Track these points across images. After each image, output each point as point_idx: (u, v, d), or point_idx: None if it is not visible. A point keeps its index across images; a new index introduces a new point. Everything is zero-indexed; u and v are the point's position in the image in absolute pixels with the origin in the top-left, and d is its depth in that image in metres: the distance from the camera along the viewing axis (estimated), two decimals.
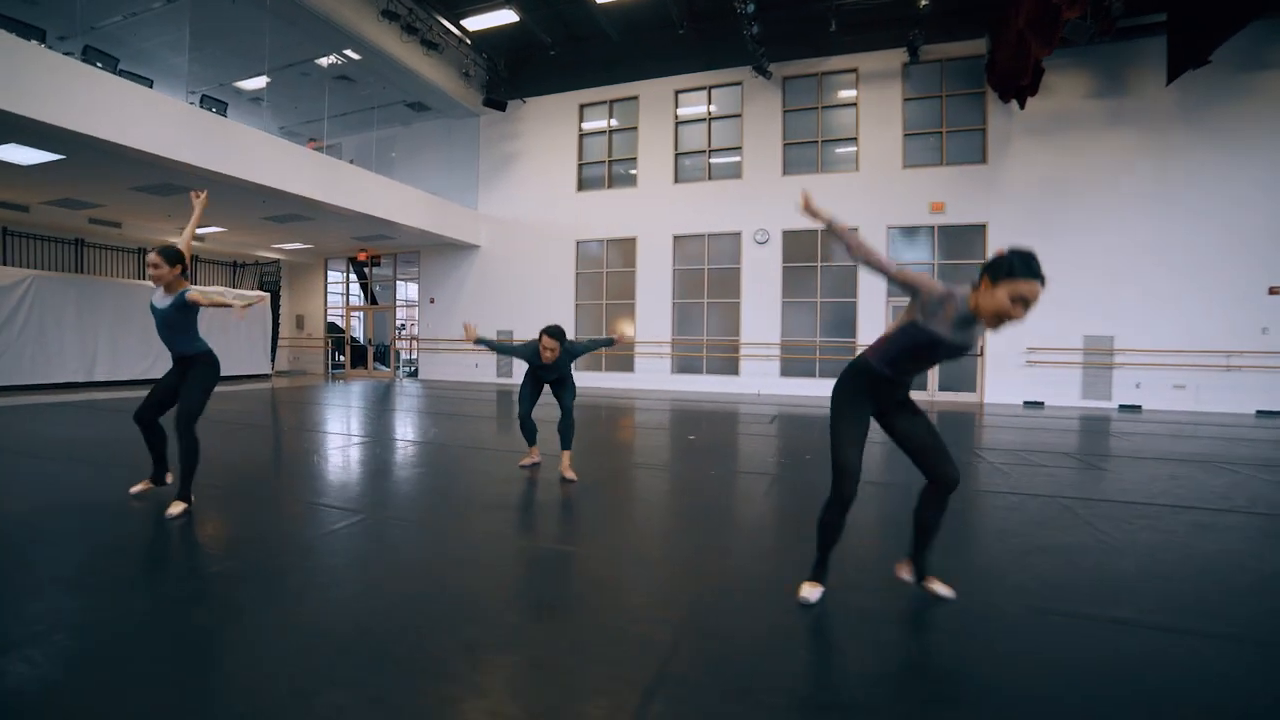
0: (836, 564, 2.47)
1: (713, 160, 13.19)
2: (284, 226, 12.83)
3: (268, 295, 3.94)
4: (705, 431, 7.12)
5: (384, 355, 18.18)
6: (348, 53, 11.87)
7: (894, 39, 11.41)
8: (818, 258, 12.35)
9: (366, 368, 17.16)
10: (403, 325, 18.48)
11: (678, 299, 13.35)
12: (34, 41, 7.12)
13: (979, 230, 11.47)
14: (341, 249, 16.12)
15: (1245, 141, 10.11)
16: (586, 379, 13.42)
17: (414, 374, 16.14)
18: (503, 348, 4.47)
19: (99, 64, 7.81)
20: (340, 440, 6.06)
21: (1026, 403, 11.10)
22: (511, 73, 14.02)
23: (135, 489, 3.68)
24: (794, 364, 12.52)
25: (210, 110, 9.41)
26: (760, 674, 1.86)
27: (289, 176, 9.84)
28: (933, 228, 11.75)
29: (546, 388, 4.60)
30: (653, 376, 13.41)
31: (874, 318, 11.86)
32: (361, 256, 16.42)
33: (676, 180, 13.36)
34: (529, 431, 4.59)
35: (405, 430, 6.90)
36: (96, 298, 11.05)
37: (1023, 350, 11.08)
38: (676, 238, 13.30)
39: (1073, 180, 10.95)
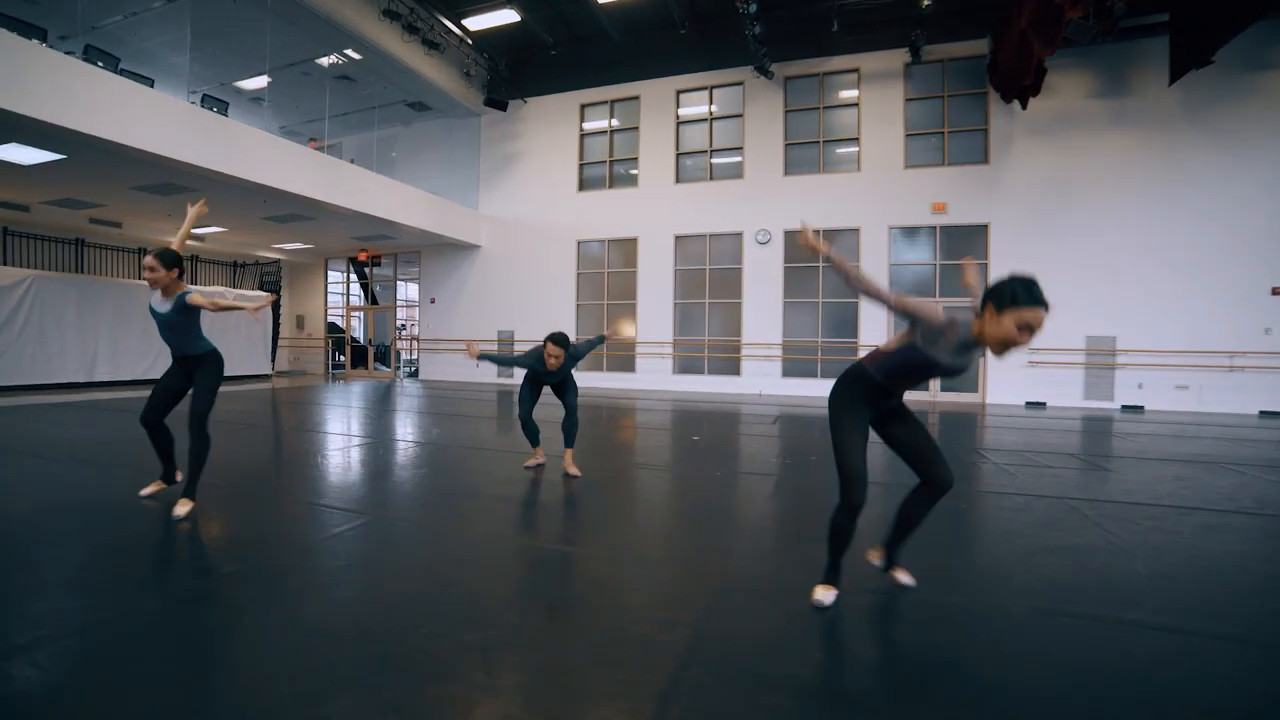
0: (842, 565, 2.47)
1: (714, 160, 13.18)
2: (284, 226, 12.83)
3: (275, 296, 3.93)
4: (707, 432, 7.11)
5: (384, 355, 18.18)
6: (349, 52, 11.87)
7: (896, 39, 11.41)
8: (819, 258, 12.31)
9: (367, 368, 17.15)
10: (403, 325, 18.49)
11: (679, 299, 13.34)
12: (35, 41, 7.13)
13: (981, 230, 11.45)
14: (342, 249, 16.12)
15: (1248, 142, 10.10)
16: (588, 379, 13.42)
17: (414, 374, 16.13)
18: (507, 360, 4.47)
19: (100, 63, 7.82)
20: (341, 441, 6.06)
21: (1028, 403, 11.09)
22: (513, 72, 14.02)
23: (146, 491, 3.65)
24: (795, 364, 12.50)
25: (211, 110, 9.42)
26: (767, 675, 1.85)
27: (290, 176, 9.84)
28: (934, 228, 11.73)
29: (546, 388, 4.61)
30: (654, 377, 13.40)
31: (875, 318, 11.84)
32: (362, 256, 16.41)
33: (678, 180, 13.34)
34: (531, 432, 4.59)
35: (406, 431, 6.89)
36: (97, 298, 11.05)
37: (1025, 351, 11.07)
38: (678, 238, 13.28)
39: (1075, 180, 10.93)
